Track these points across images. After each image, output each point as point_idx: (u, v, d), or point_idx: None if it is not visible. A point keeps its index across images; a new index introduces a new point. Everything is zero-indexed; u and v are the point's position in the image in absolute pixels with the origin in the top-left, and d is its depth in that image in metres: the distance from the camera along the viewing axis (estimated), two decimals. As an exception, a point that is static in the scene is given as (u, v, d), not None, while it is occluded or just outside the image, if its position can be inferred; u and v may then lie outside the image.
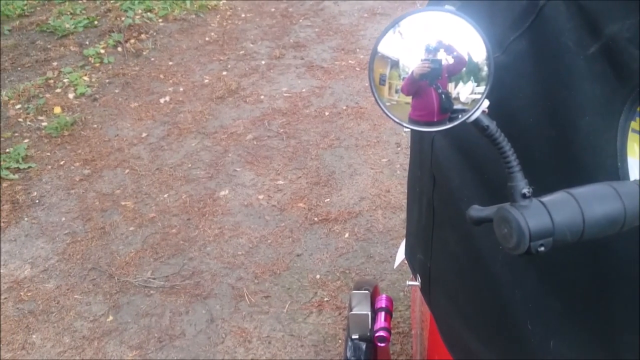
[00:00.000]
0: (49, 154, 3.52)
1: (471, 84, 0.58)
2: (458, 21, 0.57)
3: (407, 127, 0.60)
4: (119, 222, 2.97)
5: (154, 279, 2.63)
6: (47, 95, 4.08)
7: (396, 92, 0.59)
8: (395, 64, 0.58)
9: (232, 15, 5.15)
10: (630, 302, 0.74)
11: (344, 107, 3.75)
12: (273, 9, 5.23)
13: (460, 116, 0.59)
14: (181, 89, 4.09)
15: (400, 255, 1.45)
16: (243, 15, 5.15)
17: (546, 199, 0.56)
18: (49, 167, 3.41)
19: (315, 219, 2.89)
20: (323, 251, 2.71)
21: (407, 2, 5.06)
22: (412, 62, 0.58)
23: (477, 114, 0.58)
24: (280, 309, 2.45)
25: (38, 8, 5.41)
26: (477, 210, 0.64)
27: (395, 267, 1.68)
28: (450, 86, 0.58)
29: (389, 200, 2.97)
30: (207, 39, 4.79)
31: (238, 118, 3.74)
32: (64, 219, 3.03)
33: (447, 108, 0.59)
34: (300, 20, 5.02)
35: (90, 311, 2.51)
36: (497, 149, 0.59)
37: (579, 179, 0.77)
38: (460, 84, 0.58)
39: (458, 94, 0.58)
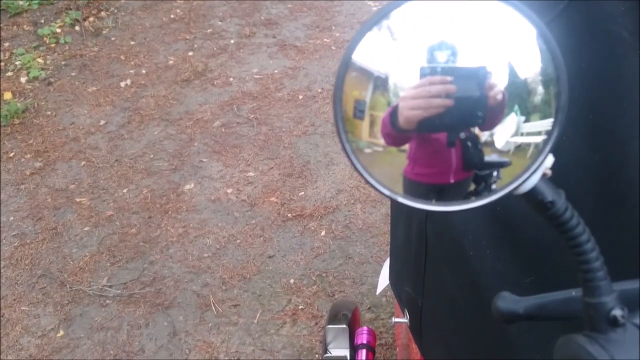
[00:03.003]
0: (-3, 145, 3.22)
1: (515, 119, 0.33)
2: (494, 9, 0.32)
3: (405, 203, 0.34)
4: (73, 222, 2.70)
5: (110, 286, 2.38)
6: (-3, 80, 3.75)
7: (384, 131, 0.33)
8: (381, 83, 0.32)
9: (199, -9, 4.82)
10: None
11: (319, 90, 3.49)
12: (243, -16, 4.90)
13: (494, 177, 0.33)
14: (143, 72, 3.79)
15: (384, 279, 1.23)
16: (211, -9, 4.82)
17: None
18: (-3, 160, 3.12)
19: (289, 215, 2.65)
20: (297, 252, 2.47)
21: (385, -25, 4.77)
22: (410, 78, 0.32)
23: (535, 179, 0.33)
24: (251, 320, 2.22)
25: (-10, -16, 5.02)
26: (509, 302, 0.41)
27: (378, 293, 1.45)
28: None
29: (369, 192, 2.73)
30: (172, 16, 4.46)
31: (205, 103, 3.46)
32: (12, 218, 2.75)
33: (473, 162, 0.33)
34: (272, -4, 4.71)
35: (39, 325, 2.25)
36: (566, 239, 0.34)
37: (624, 218, 0.57)
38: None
39: (492, 135, 0.33)
